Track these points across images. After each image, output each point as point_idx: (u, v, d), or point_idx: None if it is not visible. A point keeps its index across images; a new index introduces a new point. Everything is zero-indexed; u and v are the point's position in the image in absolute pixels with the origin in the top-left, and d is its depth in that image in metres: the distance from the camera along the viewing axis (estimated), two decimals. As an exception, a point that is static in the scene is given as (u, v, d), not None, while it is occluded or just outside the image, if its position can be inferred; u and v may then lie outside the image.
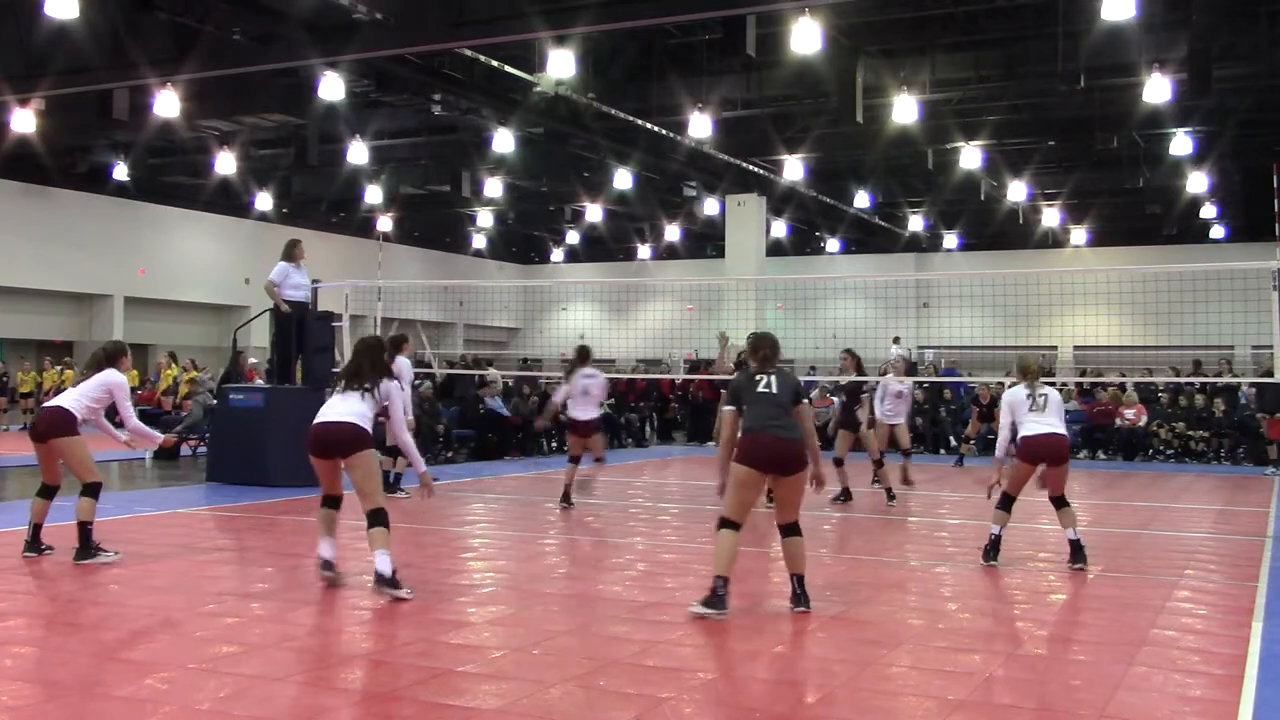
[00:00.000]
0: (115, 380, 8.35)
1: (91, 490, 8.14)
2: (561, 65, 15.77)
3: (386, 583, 7.04)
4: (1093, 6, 14.62)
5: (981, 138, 21.66)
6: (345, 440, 7.23)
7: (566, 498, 11.86)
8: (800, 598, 6.76)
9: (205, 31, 15.21)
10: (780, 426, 6.71)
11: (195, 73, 15.82)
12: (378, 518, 7.14)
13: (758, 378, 6.94)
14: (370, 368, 7.52)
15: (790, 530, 6.81)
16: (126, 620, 6.37)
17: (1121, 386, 20.43)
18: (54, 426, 8.15)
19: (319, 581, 7.39)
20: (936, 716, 4.80)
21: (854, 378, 12.96)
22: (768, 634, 6.32)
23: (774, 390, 6.84)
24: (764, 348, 7.11)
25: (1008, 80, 19.36)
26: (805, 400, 7.09)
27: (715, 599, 6.54)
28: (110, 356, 8.48)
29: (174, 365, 24.41)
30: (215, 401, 15.72)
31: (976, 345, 30.00)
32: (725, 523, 6.67)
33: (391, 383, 7.58)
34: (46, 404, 8.53)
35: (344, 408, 7.35)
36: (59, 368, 24.94)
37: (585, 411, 11.81)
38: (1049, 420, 8.51)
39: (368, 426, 7.32)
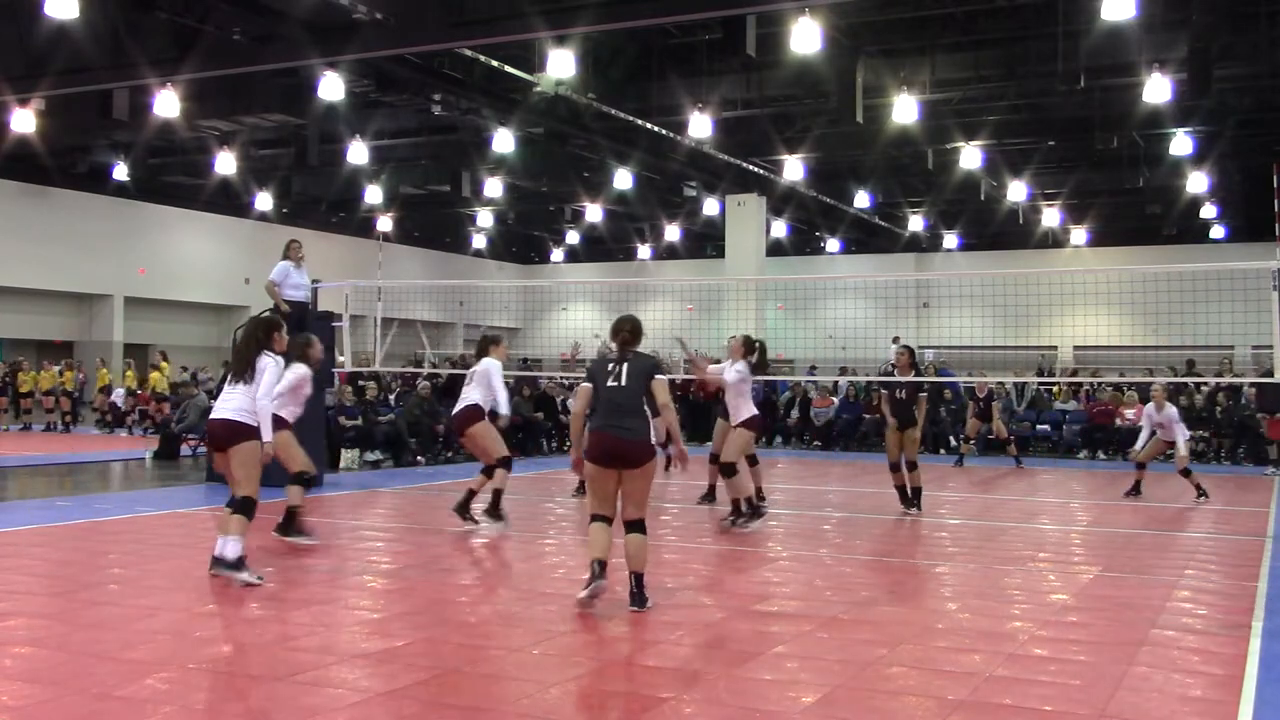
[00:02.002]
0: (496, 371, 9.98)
1: (505, 463, 10.07)
2: (561, 65, 15.76)
3: (227, 566, 7.31)
4: (1093, 6, 14.63)
5: (981, 138, 21.67)
6: (219, 436, 7.50)
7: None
8: (637, 597, 6.65)
9: (205, 31, 15.22)
10: (621, 427, 6.56)
11: (195, 73, 15.83)
12: (240, 505, 7.41)
13: (610, 366, 6.76)
14: (244, 352, 7.65)
15: (633, 527, 6.65)
16: (126, 620, 6.36)
17: (1120, 389, 20.39)
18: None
19: (318, 578, 7.38)
20: (936, 716, 4.80)
21: (911, 378, 11.75)
22: (767, 634, 6.31)
23: (622, 383, 6.65)
24: (623, 331, 6.86)
25: (1008, 80, 19.36)
26: (659, 377, 6.73)
27: (595, 578, 6.57)
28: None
29: (165, 364, 24.32)
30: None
31: (976, 345, 29.98)
32: (595, 518, 6.70)
33: (266, 360, 7.59)
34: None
35: (226, 402, 7.54)
36: (59, 368, 24.89)
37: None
38: None
39: (245, 419, 7.45)
